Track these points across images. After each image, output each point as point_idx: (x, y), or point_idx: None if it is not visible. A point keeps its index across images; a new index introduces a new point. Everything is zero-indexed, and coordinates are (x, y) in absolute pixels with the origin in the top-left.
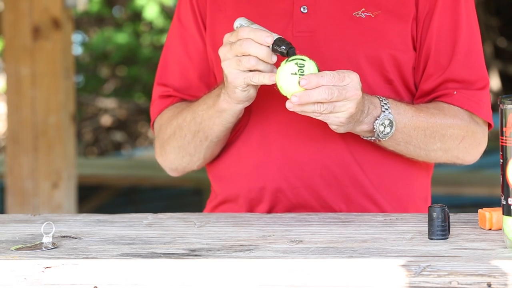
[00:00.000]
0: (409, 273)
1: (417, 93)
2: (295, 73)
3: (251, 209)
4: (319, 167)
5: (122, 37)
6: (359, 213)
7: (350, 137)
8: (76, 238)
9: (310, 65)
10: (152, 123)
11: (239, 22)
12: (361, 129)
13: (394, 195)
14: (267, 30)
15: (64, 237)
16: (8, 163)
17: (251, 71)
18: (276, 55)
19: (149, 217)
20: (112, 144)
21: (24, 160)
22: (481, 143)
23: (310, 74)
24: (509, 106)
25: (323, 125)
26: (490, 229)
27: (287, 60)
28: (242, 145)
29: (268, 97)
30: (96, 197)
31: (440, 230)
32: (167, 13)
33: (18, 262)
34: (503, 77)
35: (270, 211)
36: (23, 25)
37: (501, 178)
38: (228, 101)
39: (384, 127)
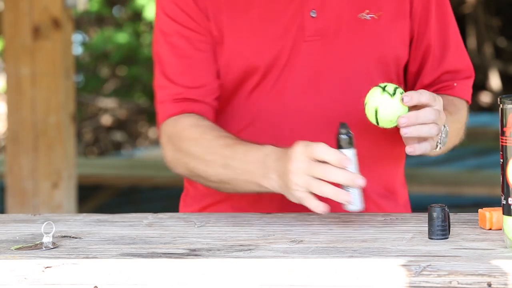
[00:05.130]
0: (409, 273)
1: (417, 86)
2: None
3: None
4: None
5: (122, 37)
6: (359, 213)
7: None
8: (76, 238)
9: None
10: (160, 123)
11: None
12: None
13: (383, 186)
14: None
15: (64, 237)
16: (8, 163)
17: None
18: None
19: (149, 217)
20: (112, 144)
21: (24, 160)
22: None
23: (410, 92)
24: (509, 106)
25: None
26: (490, 229)
27: (383, 92)
28: None
29: (280, 103)
30: (96, 197)
31: (440, 230)
32: None
33: (18, 262)
34: (503, 77)
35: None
36: (23, 25)
37: (501, 178)
38: (273, 187)
39: (446, 136)
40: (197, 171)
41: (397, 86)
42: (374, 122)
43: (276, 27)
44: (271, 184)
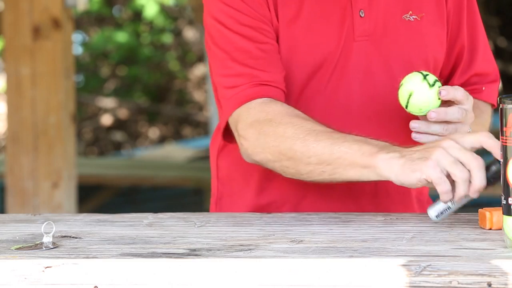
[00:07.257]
0: (409, 273)
1: None
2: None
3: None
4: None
5: (122, 37)
6: (359, 213)
7: None
8: (76, 238)
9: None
10: (235, 108)
11: None
12: None
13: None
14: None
15: (64, 236)
16: (8, 163)
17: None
18: None
19: (149, 217)
20: (112, 144)
21: (24, 160)
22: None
23: (447, 86)
24: (509, 106)
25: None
26: (490, 229)
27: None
28: None
29: (331, 104)
30: (96, 197)
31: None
32: (167, 12)
33: (18, 262)
34: (503, 77)
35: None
36: (23, 25)
37: (501, 178)
38: (389, 166)
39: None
40: (291, 153)
41: (437, 79)
42: (403, 104)
43: (328, 25)
44: (389, 161)
